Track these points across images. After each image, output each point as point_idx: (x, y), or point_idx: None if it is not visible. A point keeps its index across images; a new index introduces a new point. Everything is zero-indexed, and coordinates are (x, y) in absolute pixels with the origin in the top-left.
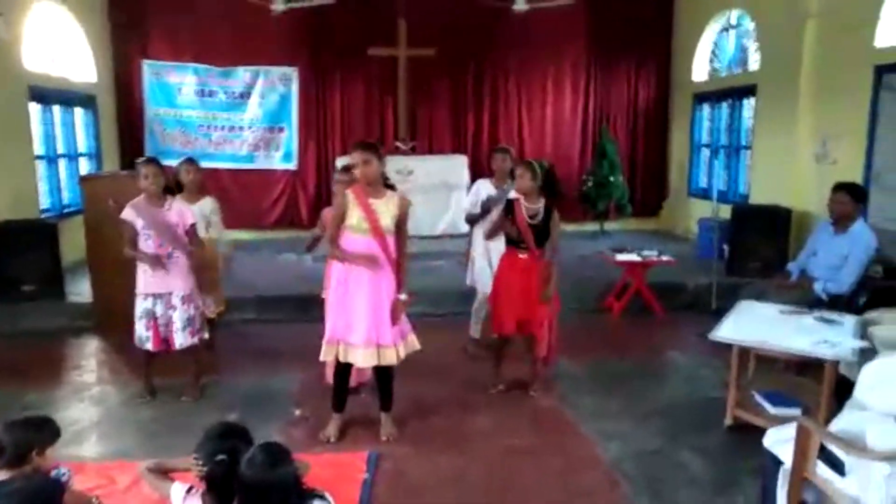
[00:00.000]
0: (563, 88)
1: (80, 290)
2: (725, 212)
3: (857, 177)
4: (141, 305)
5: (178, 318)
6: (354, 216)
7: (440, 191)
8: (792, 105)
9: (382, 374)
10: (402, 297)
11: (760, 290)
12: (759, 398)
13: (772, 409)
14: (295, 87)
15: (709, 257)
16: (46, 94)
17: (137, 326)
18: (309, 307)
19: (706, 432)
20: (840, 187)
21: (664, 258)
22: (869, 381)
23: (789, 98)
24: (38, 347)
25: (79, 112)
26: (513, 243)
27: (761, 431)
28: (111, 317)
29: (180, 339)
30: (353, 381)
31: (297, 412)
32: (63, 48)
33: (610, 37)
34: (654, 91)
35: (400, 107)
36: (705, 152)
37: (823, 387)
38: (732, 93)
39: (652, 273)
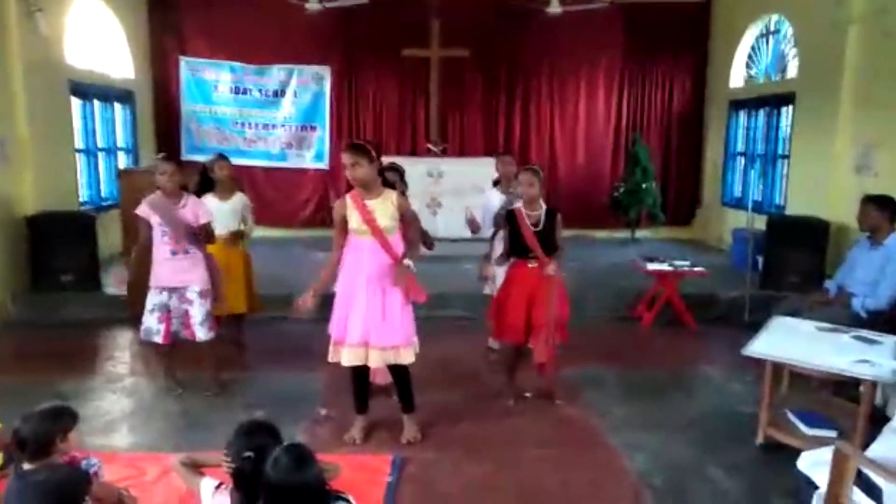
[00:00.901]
0: (596, 92)
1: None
2: (760, 222)
3: None
4: (155, 298)
5: (196, 313)
6: (354, 219)
7: (470, 194)
8: (832, 113)
9: (397, 374)
10: (407, 262)
11: (796, 305)
12: (792, 417)
13: (807, 430)
14: (328, 87)
15: (742, 269)
16: (87, 90)
17: (147, 319)
18: None
19: (737, 448)
20: (867, 199)
21: (696, 269)
22: None
23: (829, 106)
24: (74, 337)
25: (117, 107)
26: (519, 255)
27: (793, 450)
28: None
29: (201, 334)
30: (382, 381)
31: (324, 412)
32: (103, 45)
33: (645, 41)
34: (689, 97)
35: (431, 108)
36: (741, 161)
37: (860, 408)
38: (770, 100)
39: (683, 283)
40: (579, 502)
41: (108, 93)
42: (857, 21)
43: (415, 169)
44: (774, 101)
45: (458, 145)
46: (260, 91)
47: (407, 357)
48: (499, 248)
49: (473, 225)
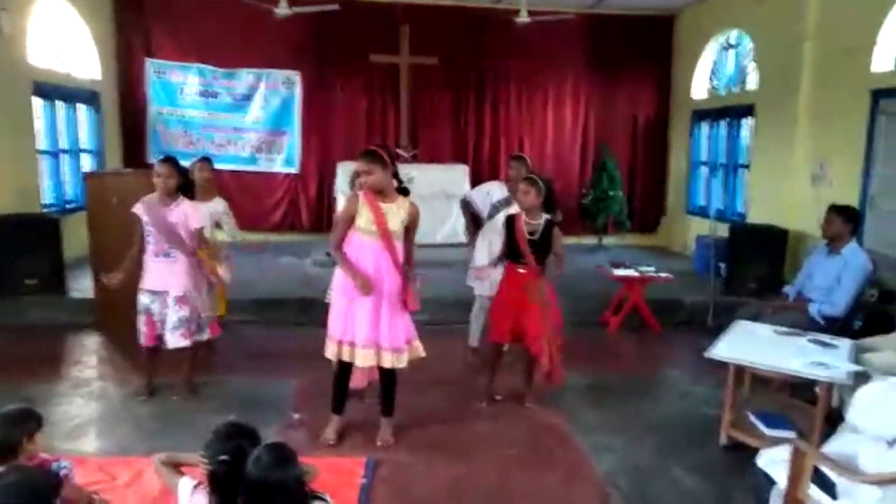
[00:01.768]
0: (563, 101)
1: (82, 286)
2: (723, 230)
3: (853, 200)
4: (140, 301)
5: (169, 319)
6: (363, 217)
7: (440, 200)
8: (789, 126)
9: (386, 377)
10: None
11: (756, 310)
12: (753, 419)
13: (767, 431)
14: (298, 91)
15: (705, 275)
16: (50, 90)
17: (137, 320)
18: (308, 311)
19: (700, 449)
20: (833, 209)
21: (662, 274)
22: (862, 404)
23: (787, 119)
24: (40, 342)
25: (82, 108)
26: (512, 258)
27: (755, 451)
28: (112, 313)
29: (171, 340)
30: (359, 383)
31: (296, 416)
32: (67, 44)
33: (611, 52)
34: (655, 107)
35: (402, 115)
36: (704, 170)
37: (817, 409)
38: (731, 111)
39: (649, 289)
40: (549, 503)
41: (73, 93)
42: (812, 38)
43: None
44: (736, 112)
45: (428, 151)
46: (229, 94)
47: (405, 360)
48: (480, 251)
49: (469, 208)
